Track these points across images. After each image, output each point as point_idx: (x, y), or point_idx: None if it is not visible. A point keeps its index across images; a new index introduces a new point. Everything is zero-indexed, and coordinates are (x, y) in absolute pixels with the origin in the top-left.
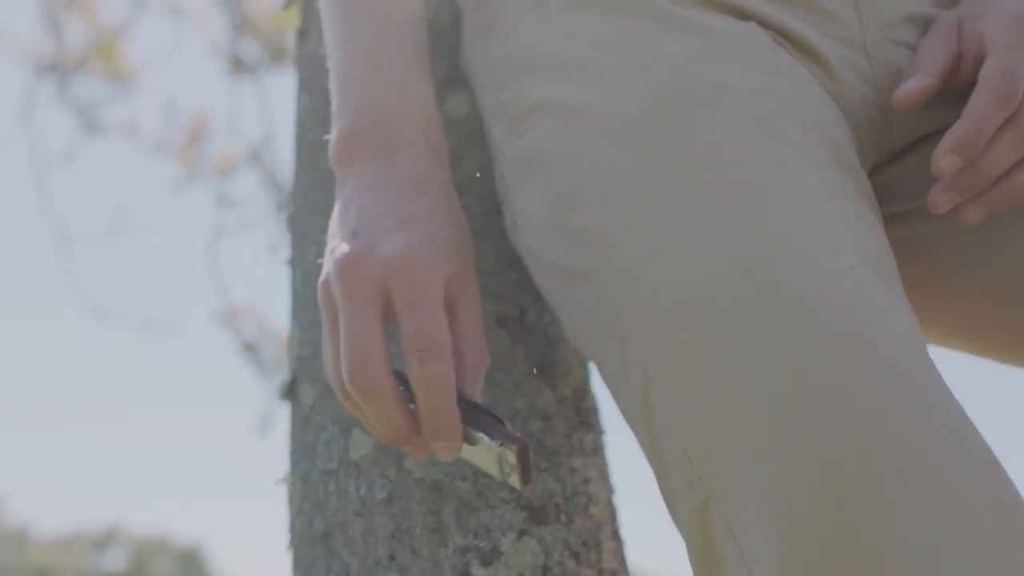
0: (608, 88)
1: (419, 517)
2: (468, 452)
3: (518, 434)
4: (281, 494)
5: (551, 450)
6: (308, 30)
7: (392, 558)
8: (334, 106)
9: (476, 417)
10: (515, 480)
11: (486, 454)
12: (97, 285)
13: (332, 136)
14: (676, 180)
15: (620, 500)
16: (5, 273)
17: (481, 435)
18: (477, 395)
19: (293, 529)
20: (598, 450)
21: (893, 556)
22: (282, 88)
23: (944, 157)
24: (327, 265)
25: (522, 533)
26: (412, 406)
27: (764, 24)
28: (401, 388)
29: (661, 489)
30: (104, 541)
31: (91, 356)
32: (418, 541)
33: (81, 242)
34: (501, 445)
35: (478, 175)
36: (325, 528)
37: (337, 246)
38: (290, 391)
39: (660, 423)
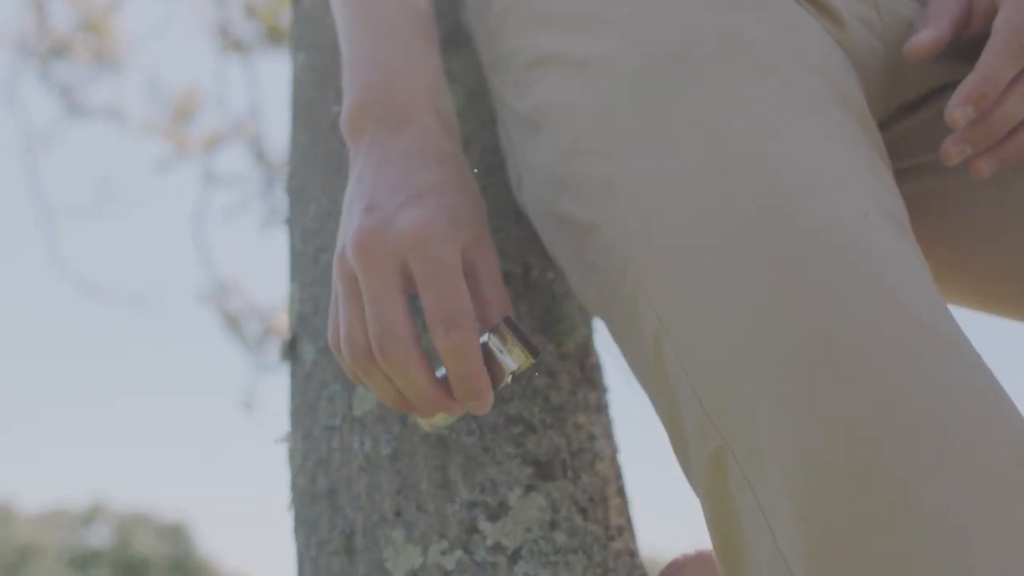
0: (616, 39)
1: (425, 473)
2: None
3: (532, 342)
4: (265, 470)
5: (557, 406)
6: None
7: (398, 514)
8: (344, 79)
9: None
10: (519, 354)
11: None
12: (84, 262)
13: (343, 108)
14: (686, 129)
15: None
16: None
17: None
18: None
19: (295, 487)
20: (602, 408)
21: (915, 507)
22: (271, 65)
23: (957, 108)
24: (342, 239)
25: (529, 488)
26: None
27: None
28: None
29: (672, 440)
30: (88, 517)
31: (72, 341)
32: (424, 497)
33: (67, 219)
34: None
35: (479, 130)
36: (329, 485)
37: (352, 221)
38: (290, 350)
39: (672, 371)
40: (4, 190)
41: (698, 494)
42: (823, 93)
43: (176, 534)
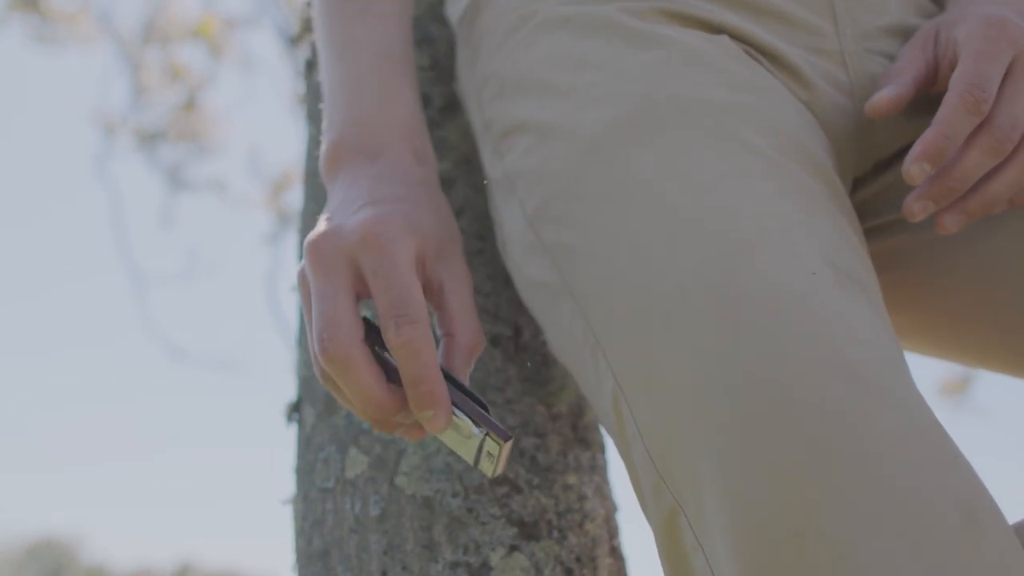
0: (576, 106)
1: (411, 533)
2: (445, 434)
3: (503, 426)
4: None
5: (544, 467)
6: (316, 62)
7: (384, 574)
8: (323, 125)
9: (462, 400)
10: (488, 468)
11: (464, 440)
12: (174, 325)
13: (321, 152)
14: (638, 193)
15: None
16: (77, 304)
17: (465, 419)
18: (465, 379)
19: (296, 548)
20: (596, 467)
21: (854, 561)
22: None
23: (913, 164)
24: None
25: (512, 548)
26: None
27: (735, 37)
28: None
29: (637, 497)
30: None
31: (160, 391)
32: (409, 557)
33: (159, 284)
34: (486, 434)
35: (472, 197)
36: (323, 546)
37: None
38: (295, 412)
39: (629, 432)
40: (100, 254)
41: (656, 547)
42: (778, 152)
43: None
